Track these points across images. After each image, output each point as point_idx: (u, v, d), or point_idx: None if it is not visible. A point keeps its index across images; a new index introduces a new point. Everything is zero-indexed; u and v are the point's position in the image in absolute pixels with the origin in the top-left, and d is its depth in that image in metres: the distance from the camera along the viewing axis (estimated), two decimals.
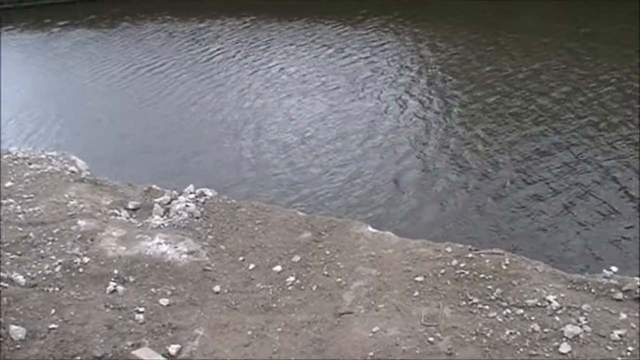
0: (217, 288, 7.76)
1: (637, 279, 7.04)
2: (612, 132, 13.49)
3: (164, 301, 7.43)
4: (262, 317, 7.22)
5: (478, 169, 12.44)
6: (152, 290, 7.64)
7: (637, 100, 15.06)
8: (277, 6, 26.67)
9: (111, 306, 7.23)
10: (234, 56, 21.84)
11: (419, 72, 18.40)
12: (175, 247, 8.36)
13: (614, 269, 7.21)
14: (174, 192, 9.98)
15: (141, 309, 7.22)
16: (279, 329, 6.96)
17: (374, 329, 6.66)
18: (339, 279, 7.57)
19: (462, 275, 7.27)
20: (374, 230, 8.59)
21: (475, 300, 6.87)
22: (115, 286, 7.59)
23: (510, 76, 17.20)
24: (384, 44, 21.24)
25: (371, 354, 6.37)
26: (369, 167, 13.00)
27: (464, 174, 12.37)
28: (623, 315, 6.51)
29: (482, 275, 7.21)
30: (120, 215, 9.36)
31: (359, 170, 12.91)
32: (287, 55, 21.22)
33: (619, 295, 6.80)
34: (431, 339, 6.42)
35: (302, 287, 7.59)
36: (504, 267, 7.32)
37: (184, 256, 8.23)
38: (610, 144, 13.01)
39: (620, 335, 6.24)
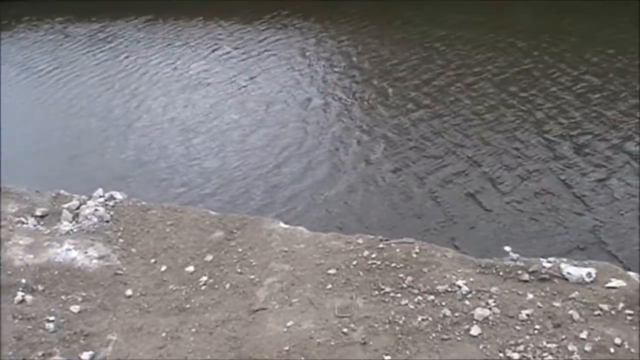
0: (129, 292, 7.66)
1: (542, 260, 7.29)
2: (512, 119, 13.82)
3: (74, 308, 7.30)
4: (175, 318, 7.17)
5: (385, 161, 12.59)
6: (62, 297, 7.50)
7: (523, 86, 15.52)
8: (177, 6, 26.44)
9: (20, 317, 7.06)
10: (127, 57, 21.49)
11: (315, 66, 18.49)
12: (85, 253, 8.21)
13: (514, 255, 7.43)
14: (83, 196, 9.79)
15: (51, 318, 7.08)
16: (194, 330, 6.93)
17: (288, 324, 6.69)
18: (252, 276, 7.57)
19: (373, 265, 7.37)
20: (286, 226, 8.63)
21: (387, 289, 6.98)
22: (23, 296, 7.41)
23: (397, 64, 17.51)
24: (279, 39, 21.31)
25: (286, 348, 6.40)
26: (276, 163, 12.98)
27: (371, 166, 12.49)
28: (530, 296, 6.73)
29: (393, 265, 7.33)
30: (27, 223, 9.13)
31: (267, 167, 12.88)
32: (181, 54, 21.01)
33: (526, 276, 7.02)
34: (345, 330, 6.50)
35: (216, 286, 7.56)
36: (414, 255, 7.46)
37: (95, 261, 8.10)
38: (511, 130, 13.33)
39: (527, 315, 6.45)
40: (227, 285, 7.52)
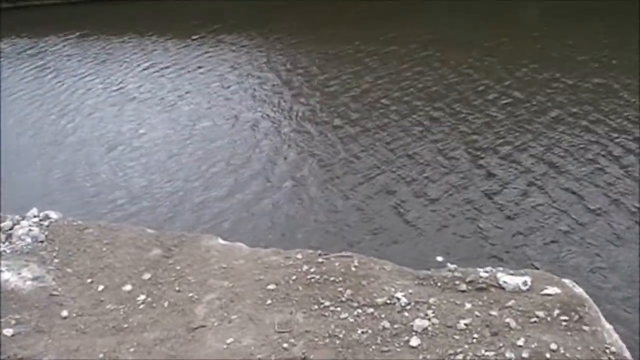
0: (65, 313, 7.49)
1: (479, 269, 7.39)
2: (438, 133, 14.06)
3: (7, 332, 7.11)
4: (113, 338, 7.03)
5: (317, 175, 12.65)
6: None
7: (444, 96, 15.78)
8: (109, 22, 26.28)
9: None
10: (58, 73, 21.19)
11: (245, 82, 18.56)
12: (19, 274, 8.01)
13: (452, 265, 7.52)
14: (17, 217, 9.56)
15: None
16: (132, 349, 6.81)
17: (228, 341, 6.64)
18: (190, 294, 7.49)
19: (313, 280, 7.37)
20: (225, 242, 8.57)
21: (327, 303, 6.98)
22: None
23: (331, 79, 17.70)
24: (211, 55, 21.32)
25: None
26: (207, 179, 12.91)
27: (301, 181, 12.53)
28: (468, 305, 6.81)
29: (332, 279, 7.34)
30: None
31: (199, 184, 12.80)
32: (113, 71, 20.84)
33: (463, 286, 7.11)
34: (285, 345, 6.47)
35: (154, 305, 7.45)
36: (354, 268, 7.49)
37: (29, 282, 7.90)
38: (436, 143, 13.53)
39: (466, 324, 6.52)
40: (166, 304, 7.42)
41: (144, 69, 20.66)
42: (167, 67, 20.67)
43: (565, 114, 14.65)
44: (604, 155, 12.87)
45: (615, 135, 13.65)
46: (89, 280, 8.07)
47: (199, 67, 20.22)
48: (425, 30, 21.67)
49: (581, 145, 13.26)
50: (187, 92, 18.13)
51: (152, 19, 26.84)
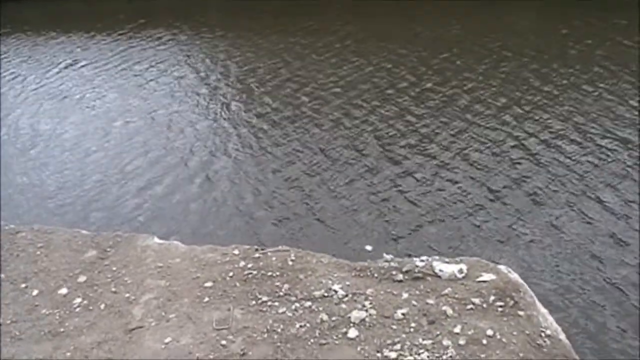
0: None
1: (415, 259, 7.46)
2: (351, 127, 14.17)
3: None
4: (49, 344, 6.91)
5: (255, 170, 12.60)
6: None
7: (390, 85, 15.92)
8: (35, 19, 25.88)
9: None
10: None
11: (169, 77, 18.42)
12: None
13: (388, 256, 7.58)
14: None
15: None
16: (68, 354, 6.69)
17: (166, 340, 6.57)
18: (127, 295, 7.39)
19: (250, 275, 7.34)
20: (161, 241, 8.49)
21: (265, 298, 6.96)
22: None
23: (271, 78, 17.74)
24: (135, 52, 21.15)
25: None
26: (149, 178, 12.73)
27: (243, 176, 12.47)
28: (405, 295, 6.86)
29: (269, 273, 7.33)
30: None
31: (139, 182, 12.59)
32: (33, 69, 20.44)
33: (400, 276, 7.16)
34: (224, 342, 6.43)
35: (90, 308, 7.34)
36: (291, 262, 7.48)
37: None
38: (350, 137, 13.63)
39: (403, 314, 6.57)
40: (102, 306, 7.32)
41: (66, 67, 20.25)
42: (89, 64, 20.33)
43: (477, 102, 14.91)
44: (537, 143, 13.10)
45: (531, 122, 13.94)
46: (23, 285, 7.92)
47: (121, 64, 19.95)
48: (343, 23, 21.83)
49: (498, 133, 13.50)
50: (107, 89, 17.86)
51: (78, 16, 26.45)
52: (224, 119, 15.17)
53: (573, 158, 12.20)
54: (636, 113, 14.03)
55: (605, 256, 9.60)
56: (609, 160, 12.06)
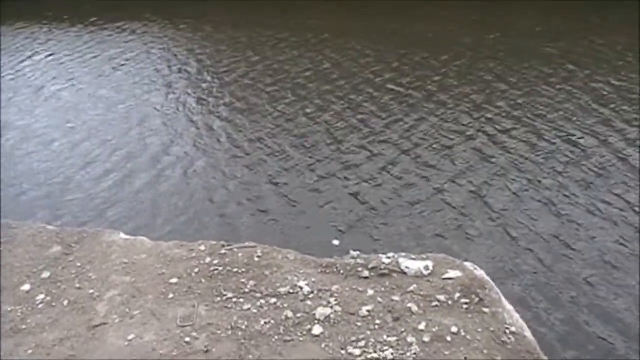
0: None
1: (382, 255, 7.45)
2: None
3: None
4: (10, 340, 6.80)
5: (221, 166, 12.58)
6: None
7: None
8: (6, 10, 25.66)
9: None
10: None
11: (131, 69, 18.37)
12: None
13: (354, 252, 7.58)
14: None
15: None
16: (30, 351, 6.60)
17: (129, 337, 6.51)
18: (91, 291, 7.31)
19: (215, 271, 7.30)
20: (127, 237, 8.41)
21: (230, 294, 6.93)
22: None
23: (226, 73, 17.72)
24: (108, 43, 21.05)
25: None
26: (115, 172, 12.64)
27: (209, 171, 12.44)
28: (370, 292, 6.86)
29: (235, 270, 7.29)
30: None
31: (104, 177, 12.51)
32: (3, 61, 20.29)
33: (365, 273, 7.16)
34: (187, 339, 6.38)
35: (53, 304, 7.24)
36: (257, 259, 7.45)
37: None
38: (346, 136, 13.69)
39: (368, 311, 6.57)
40: (65, 302, 7.23)
41: (36, 58, 20.10)
42: (54, 55, 20.17)
43: (431, 99, 15.07)
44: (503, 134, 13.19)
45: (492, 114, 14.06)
46: None
47: (88, 55, 19.84)
48: (321, 18, 21.89)
49: (472, 124, 13.62)
50: (73, 81, 17.73)
51: (45, 6, 26.20)
52: (187, 112, 15.16)
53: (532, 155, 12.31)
54: (586, 109, 14.22)
55: (570, 252, 9.68)
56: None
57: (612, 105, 14.44)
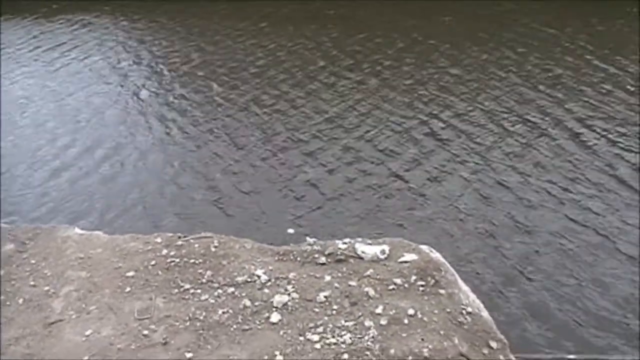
0: None
1: (338, 242, 7.48)
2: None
3: None
4: None
5: (172, 157, 12.56)
6: None
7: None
8: None
9: None
10: None
11: (89, 59, 18.22)
12: None
13: (311, 239, 7.61)
14: None
15: None
16: None
17: (87, 333, 6.46)
18: (47, 288, 7.23)
19: (172, 263, 7.27)
20: (82, 232, 8.32)
21: (187, 286, 6.91)
22: None
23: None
24: (55, 35, 20.81)
25: (86, 358, 6.17)
26: (65, 167, 12.51)
27: (162, 163, 12.40)
28: (327, 278, 6.89)
29: (192, 261, 7.27)
30: None
31: (56, 173, 12.38)
32: None
33: (322, 259, 7.18)
34: (146, 332, 6.36)
35: (8, 303, 7.14)
36: (213, 249, 7.44)
37: None
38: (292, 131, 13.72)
39: (325, 297, 6.60)
40: (20, 300, 7.13)
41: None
42: (10, 50, 19.88)
43: (386, 85, 15.21)
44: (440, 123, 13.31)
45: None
46: None
47: (35, 48, 19.59)
48: (276, 6, 21.86)
49: (407, 113, 13.75)
50: (27, 75, 17.52)
51: None
52: (139, 105, 15.06)
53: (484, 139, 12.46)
54: (539, 91, 14.43)
55: (524, 233, 9.83)
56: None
57: (564, 87, 14.67)
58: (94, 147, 13.24)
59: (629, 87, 14.62)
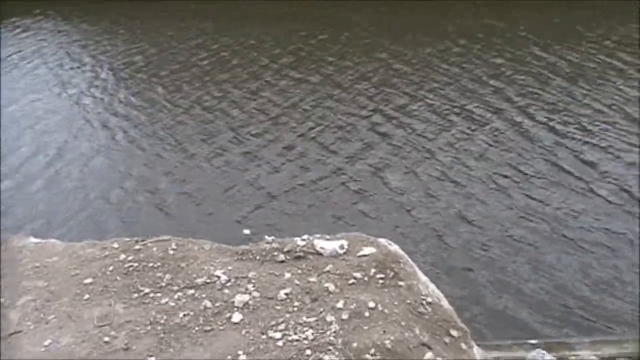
0: None
1: (297, 239, 7.50)
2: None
3: None
4: None
5: (121, 163, 12.49)
6: None
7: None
8: None
9: None
10: None
11: (29, 64, 18.03)
12: None
13: (269, 238, 7.62)
14: None
15: None
16: None
17: (46, 343, 6.38)
18: (2, 299, 7.13)
19: (131, 268, 7.22)
20: (37, 240, 8.21)
21: (147, 290, 6.87)
22: None
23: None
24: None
25: None
26: (10, 178, 12.37)
27: (109, 169, 12.33)
28: (287, 275, 6.91)
29: (150, 265, 7.22)
30: None
31: (2, 179, 12.24)
32: None
33: (282, 257, 7.20)
34: (106, 338, 6.30)
35: None
36: (172, 252, 7.40)
37: None
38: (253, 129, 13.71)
39: (286, 294, 6.62)
40: None
41: None
42: None
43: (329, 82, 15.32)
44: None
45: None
46: None
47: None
48: (219, 6, 21.85)
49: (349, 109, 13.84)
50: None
51: None
52: (82, 110, 15.01)
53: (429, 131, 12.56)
54: (479, 82, 14.64)
55: (469, 222, 9.95)
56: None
57: (505, 77, 14.87)
58: (38, 153, 13.09)
59: (568, 75, 14.87)
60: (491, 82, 14.61)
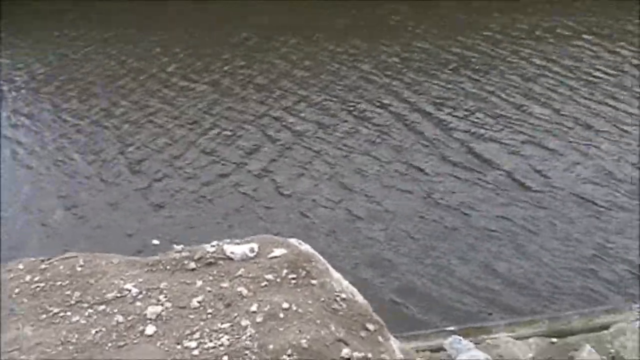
0: None
1: (206, 245, 7.47)
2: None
3: None
4: None
5: (27, 181, 12.24)
6: None
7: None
8: None
9: None
10: None
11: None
12: None
13: (178, 246, 7.57)
14: None
15: None
16: None
17: None
18: None
19: (37, 288, 7.03)
20: None
21: (56, 309, 6.70)
22: None
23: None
24: None
25: None
26: None
27: (17, 188, 12.05)
28: (199, 283, 6.87)
29: (58, 283, 7.06)
30: None
31: None
32: None
33: (192, 265, 7.15)
34: None
35: None
36: (79, 268, 7.25)
37: None
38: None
39: (199, 302, 6.57)
40: None
41: None
42: None
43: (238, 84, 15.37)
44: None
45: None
46: None
47: None
48: (107, 13, 21.62)
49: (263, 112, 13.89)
50: None
51: None
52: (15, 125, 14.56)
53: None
54: (368, 80, 14.91)
55: (356, 217, 10.10)
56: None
57: (414, 70, 15.13)
58: None
59: (475, 65, 15.25)
60: (400, 76, 15.03)
